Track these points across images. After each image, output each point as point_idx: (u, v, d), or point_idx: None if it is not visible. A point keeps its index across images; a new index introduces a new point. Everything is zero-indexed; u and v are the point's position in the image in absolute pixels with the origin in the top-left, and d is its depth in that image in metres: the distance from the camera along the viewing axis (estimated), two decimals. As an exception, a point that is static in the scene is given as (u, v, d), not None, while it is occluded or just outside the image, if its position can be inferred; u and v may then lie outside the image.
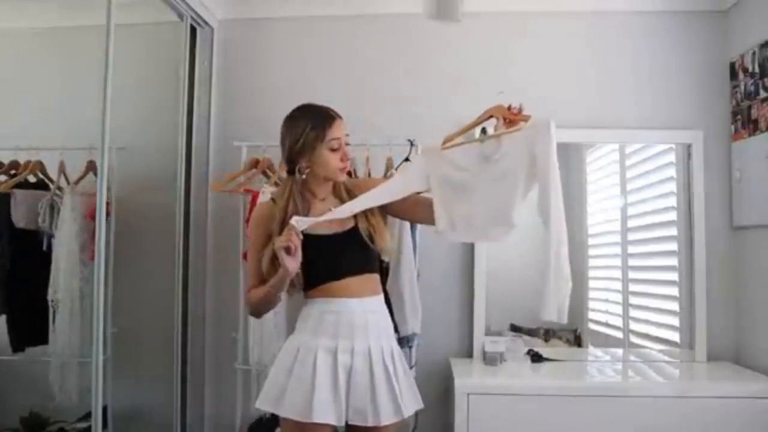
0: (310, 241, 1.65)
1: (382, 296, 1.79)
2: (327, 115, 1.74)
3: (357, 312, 1.70)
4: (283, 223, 1.67)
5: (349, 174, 2.42)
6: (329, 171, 1.73)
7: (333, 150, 1.71)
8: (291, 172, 1.75)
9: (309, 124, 1.71)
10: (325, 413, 1.61)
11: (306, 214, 1.71)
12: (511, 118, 1.66)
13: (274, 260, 1.63)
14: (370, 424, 1.66)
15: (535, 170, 1.58)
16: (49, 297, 2.35)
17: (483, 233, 1.75)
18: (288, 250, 1.58)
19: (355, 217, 1.73)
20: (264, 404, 1.68)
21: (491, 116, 1.70)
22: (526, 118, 1.65)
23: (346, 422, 1.66)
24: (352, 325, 1.68)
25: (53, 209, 2.39)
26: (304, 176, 1.73)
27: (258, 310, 1.81)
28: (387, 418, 1.66)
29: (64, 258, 2.36)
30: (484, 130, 1.80)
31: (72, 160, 2.50)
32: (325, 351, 1.66)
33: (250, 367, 2.44)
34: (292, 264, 1.60)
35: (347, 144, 1.76)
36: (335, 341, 1.67)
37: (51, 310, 2.35)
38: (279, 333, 2.35)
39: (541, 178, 1.58)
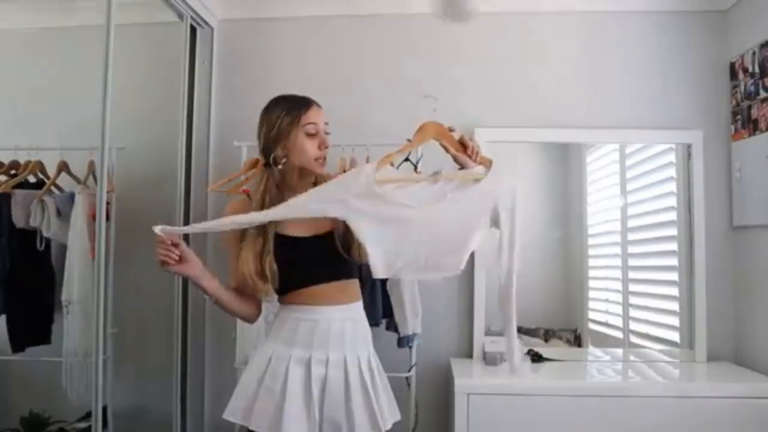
0: (285, 242, 1.60)
1: (361, 302, 1.70)
2: (303, 101, 1.67)
3: (335, 320, 1.61)
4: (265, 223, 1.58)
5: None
6: (305, 159, 1.62)
7: (309, 135, 1.62)
8: (267, 164, 1.64)
9: (284, 111, 1.64)
10: (295, 427, 1.53)
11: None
12: (461, 152, 1.63)
13: (257, 264, 1.57)
14: None
15: (497, 218, 1.57)
16: (63, 298, 2.34)
17: (425, 273, 1.61)
18: (165, 264, 1.51)
19: (333, 220, 1.59)
20: (232, 415, 1.59)
21: (433, 138, 1.63)
22: (485, 162, 1.61)
23: None
24: (328, 334, 1.59)
25: (43, 209, 2.38)
26: (280, 167, 1.62)
27: (228, 312, 1.70)
28: (362, 431, 1.58)
29: (78, 258, 2.35)
30: (436, 172, 1.64)
31: (72, 160, 2.49)
32: (297, 363, 1.58)
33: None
34: (186, 271, 1.53)
35: (327, 133, 1.66)
36: (309, 351, 1.58)
37: (65, 311, 2.34)
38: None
39: (504, 233, 1.58)
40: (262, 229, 1.59)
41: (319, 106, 1.69)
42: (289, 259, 1.59)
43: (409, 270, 1.58)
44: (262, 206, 1.60)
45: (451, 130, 1.66)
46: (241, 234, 1.62)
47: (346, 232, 1.59)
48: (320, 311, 1.61)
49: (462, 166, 1.65)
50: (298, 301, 1.62)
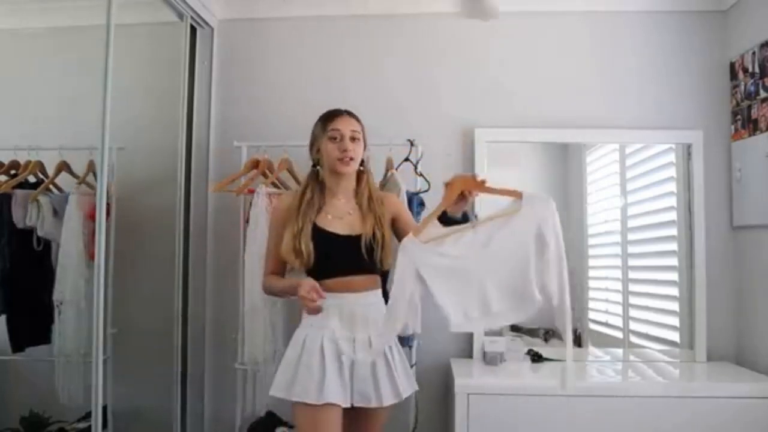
0: (323, 235, 1.84)
1: (380, 290, 1.91)
2: (333, 111, 1.93)
3: (359, 306, 1.84)
4: (302, 208, 1.84)
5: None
6: (329, 161, 1.88)
7: (332, 140, 1.87)
8: (313, 165, 1.95)
9: (319, 120, 1.94)
10: (335, 394, 1.74)
11: (321, 207, 1.88)
12: (485, 191, 1.68)
13: (294, 243, 1.81)
14: (373, 405, 1.81)
15: (543, 245, 1.60)
16: (55, 297, 2.34)
17: (504, 317, 1.70)
18: (311, 309, 1.77)
19: (364, 223, 1.86)
20: (277, 391, 1.80)
21: (462, 190, 1.67)
22: (511, 193, 1.64)
23: (352, 405, 1.79)
24: (353, 317, 1.82)
25: (39, 208, 2.38)
26: (316, 168, 1.92)
27: (270, 294, 2.02)
28: (388, 400, 1.82)
29: (71, 258, 2.35)
30: (474, 216, 1.73)
31: (72, 160, 2.49)
32: (329, 341, 1.80)
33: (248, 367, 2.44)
34: (312, 309, 1.77)
35: (355, 139, 1.88)
36: (339, 332, 1.81)
37: (56, 311, 2.35)
38: (275, 332, 2.36)
39: (552, 253, 1.60)
40: (303, 218, 1.84)
41: (351, 115, 1.94)
42: (325, 250, 1.83)
43: (487, 319, 1.66)
44: (302, 198, 1.88)
45: (474, 177, 1.71)
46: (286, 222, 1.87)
47: (372, 239, 1.83)
48: (346, 297, 1.83)
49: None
50: (327, 289, 1.78)
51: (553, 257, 1.60)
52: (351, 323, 1.82)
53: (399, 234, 1.90)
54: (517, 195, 1.64)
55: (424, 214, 2.33)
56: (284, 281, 1.92)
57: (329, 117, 1.91)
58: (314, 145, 1.93)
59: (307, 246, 1.81)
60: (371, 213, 1.88)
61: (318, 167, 1.93)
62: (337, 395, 1.75)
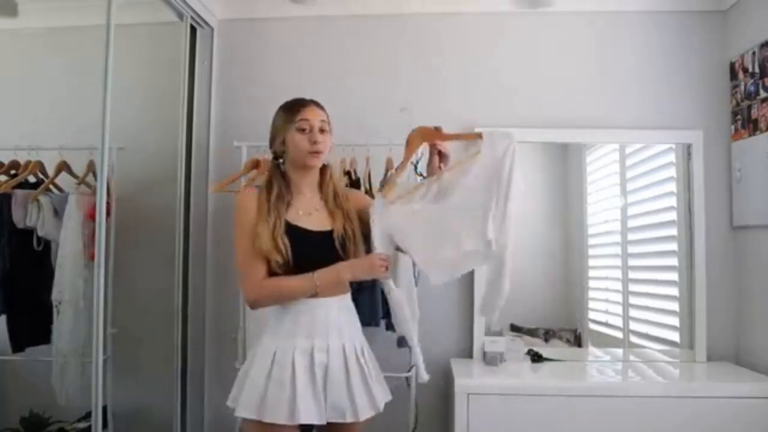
0: (294, 232, 1.70)
1: (350, 294, 1.81)
2: (300, 101, 1.80)
3: (332, 311, 1.72)
4: (271, 203, 1.70)
5: (353, 179, 2.44)
6: (299, 153, 1.74)
7: (301, 131, 1.74)
8: (273, 158, 1.81)
9: (282, 109, 1.80)
10: (309, 414, 1.63)
11: (289, 202, 1.74)
12: (444, 139, 1.71)
13: (277, 245, 1.65)
14: (348, 420, 1.69)
15: (500, 183, 1.60)
16: (54, 297, 2.34)
17: (474, 260, 1.70)
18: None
19: (333, 219, 1.76)
20: (247, 412, 1.64)
21: (424, 143, 1.71)
22: (470, 137, 1.68)
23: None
24: (327, 324, 1.70)
25: (39, 208, 2.38)
26: (281, 161, 1.78)
27: (274, 301, 1.74)
28: (364, 413, 1.71)
29: (69, 258, 2.35)
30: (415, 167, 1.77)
31: (72, 160, 2.49)
32: (301, 352, 1.67)
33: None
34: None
35: (323, 131, 1.76)
36: (311, 341, 1.68)
37: (55, 311, 2.34)
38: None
39: (501, 186, 1.60)
40: (275, 213, 1.70)
41: (318, 105, 1.81)
42: (299, 248, 1.69)
43: (460, 264, 1.67)
44: (269, 196, 1.72)
45: (437, 129, 1.73)
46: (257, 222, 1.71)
47: (344, 234, 1.74)
48: (318, 302, 1.70)
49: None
50: None
51: (501, 191, 1.59)
52: (325, 330, 1.69)
53: (367, 225, 1.83)
54: (476, 137, 1.65)
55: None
56: (293, 283, 1.68)
57: (296, 106, 1.78)
58: (278, 136, 1.77)
59: (285, 244, 1.66)
60: (339, 208, 1.79)
61: (280, 159, 1.79)
62: (311, 414, 1.63)
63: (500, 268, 1.64)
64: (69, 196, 2.38)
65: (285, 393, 1.63)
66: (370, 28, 2.75)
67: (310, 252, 1.70)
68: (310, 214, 1.76)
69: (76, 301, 2.35)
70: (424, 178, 1.77)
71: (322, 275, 1.67)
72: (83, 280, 2.35)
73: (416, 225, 1.69)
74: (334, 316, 1.72)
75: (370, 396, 1.74)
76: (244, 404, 1.65)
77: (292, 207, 1.75)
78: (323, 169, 1.84)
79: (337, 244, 1.73)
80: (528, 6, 2.65)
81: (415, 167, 2.42)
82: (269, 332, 1.73)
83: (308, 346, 1.68)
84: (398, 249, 1.75)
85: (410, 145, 1.73)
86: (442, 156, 1.76)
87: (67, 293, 2.35)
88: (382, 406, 1.76)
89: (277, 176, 1.77)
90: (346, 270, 1.71)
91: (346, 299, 1.79)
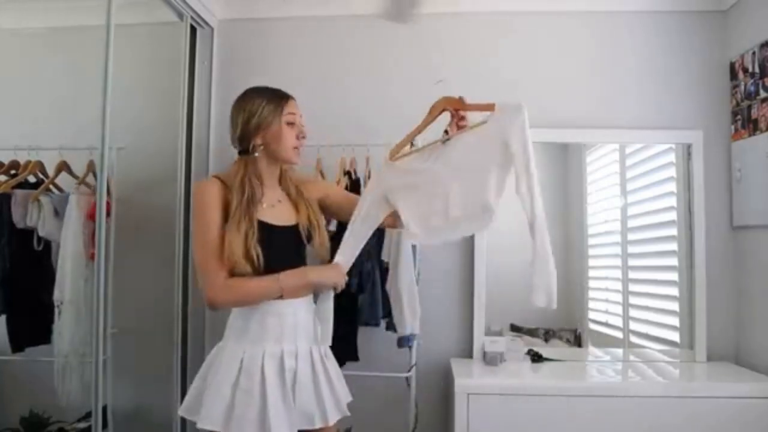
0: (265, 229, 1.61)
1: (312, 295, 1.75)
2: (282, 92, 1.72)
3: (300, 313, 1.67)
4: (242, 207, 1.59)
5: (353, 179, 2.44)
6: (284, 148, 1.67)
7: (289, 124, 1.68)
8: (243, 151, 1.68)
9: (265, 100, 1.68)
10: (281, 426, 1.56)
11: (260, 201, 1.65)
12: (465, 109, 1.68)
13: (248, 252, 1.55)
14: (317, 425, 1.63)
15: (509, 156, 1.57)
16: (55, 297, 2.34)
17: (460, 226, 1.65)
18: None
19: (297, 211, 1.71)
20: (210, 423, 1.54)
21: (444, 110, 1.70)
22: (487, 107, 1.63)
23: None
24: (296, 327, 1.64)
25: (40, 208, 2.38)
26: (257, 154, 1.66)
27: (236, 303, 1.66)
28: (333, 417, 1.65)
29: (70, 258, 2.35)
30: (446, 131, 1.74)
31: (72, 160, 2.49)
32: (271, 358, 1.60)
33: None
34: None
35: (303, 126, 1.73)
36: (280, 345, 1.62)
37: (56, 311, 2.34)
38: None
39: (518, 162, 1.56)
40: (248, 214, 1.60)
41: (294, 98, 1.75)
42: (268, 245, 1.60)
43: (445, 228, 1.64)
44: (242, 198, 1.61)
45: (460, 98, 1.72)
46: (225, 219, 1.61)
47: (309, 225, 1.70)
48: (287, 304, 1.64)
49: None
50: None
51: (521, 166, 1.55)
52: (294, 334, 1.63)
53: (337, 209, 1.82)
54: (490, 108, 1.63)
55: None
56: (259, 287, 1.59)
57: (283, 98, 1.69)
58: (259, 127, 1.65)
59: (257, 250, 1.57)
60: (302, 199, 1.73)
61: (255, 153, 1.66)
62: (284, 426, 1.56)
63: (541, 244, 1.56)
64: (69, 196, 2.38)
65: (254, 404, 1.55)
66: (369, 29, 2.75)
67: (278, 251, 1.62)
68: (273, 206, 1.69)
69: (77, 301, 2.35)
70: (447, 135, 1.73)
71: (287, 279, 1.61)
72: (84, 280, 2.35)
73: (412, 183, 1.68)
74: (303, 318, 1.67)
75: (336, 399, 1.69)
76: (207, 415, 1.54)
77: (265, 199, 1.67)
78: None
79: (303, 236, 1.69)
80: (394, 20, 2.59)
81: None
82: (233, 336, 1.64)
83: (277, 350, 1.61)
84: (388, 206, 1.72)
85: (432, 111, 1.72)
86: (461, 125, 1.71)
87: (68, 293, 2.34)
88: (346, 409, 1.71)
89: (251, 174, 1.65)
90: (312, 275, 1.67)
91: (309, 301, 1.73)
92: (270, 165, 1.71)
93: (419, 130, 1.75)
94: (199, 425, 1.56)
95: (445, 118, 1.74)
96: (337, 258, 1.73)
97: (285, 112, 1.68)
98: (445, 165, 1.66)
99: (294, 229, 1.69)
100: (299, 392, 1.61)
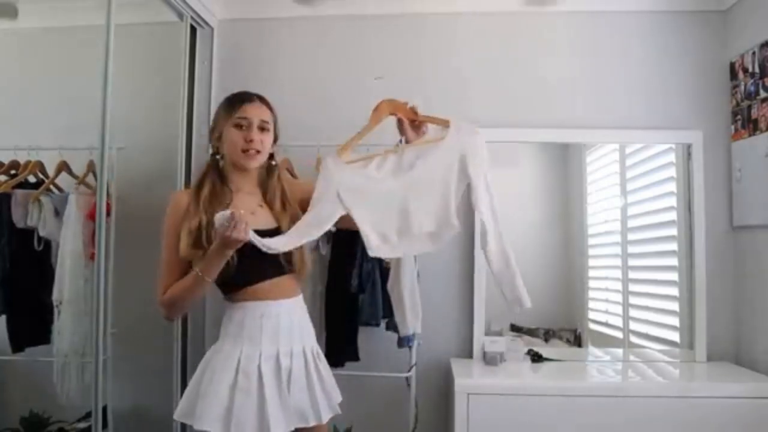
0: None
1: (302, 295, 1.77)
2: (243, 94, 1.73)
3: (294, 313, 1.69)
4: (203, 200, 1.63)
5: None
6: (233, 151, 1.67)
7: (238, 127, 1.67)
8: (212, 155, 1.74)
9: (223, 105, 1.72)
10: (278, 425, 1.58)
11: (227, 204, 1.64)
12: (414, 119, 1.67)
13: (194, 237, 1.57)
14: (311, 423, 1.65)
15: (466, 171, 1.60)
16: (54, 297, 2.33)
17: (422, 242, 1.65)
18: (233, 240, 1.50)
19: (281, 217, 1.70)
20: (208, 424, 1.55)
21: (391, 114, 1.70)
22: (442, 122, 1.65)
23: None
24: (290, 327, 1.67)
25: (40, 208, 2.38)
26: (218, 157, 1.70)
27: (176, 310, 1.70)
28: (326, 415, 1.68)
29: (69, 258, 2.35)
30: (400, 141, 1.73)
31: (72, 160, 2.49)
32: (267, 358, 1.62)
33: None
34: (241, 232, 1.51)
35: (263, 129, 1.70)
36: (276, 346, 1.64)
37: (56, 311, 2.34)
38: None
39: (478, 182, 1.61)
40: (203, 209, 1.62)
41: (264, 102, 1.74)
42: (247, 253, 1.57)
43: (406, 243, 1.64)
44: (198, 194, 1.65)
45: (405, 103, 1.71)
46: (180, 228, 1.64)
47: (289, 227, 1.66)
48: (278, 305, 1.66)
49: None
50: (254, 297, 1.65)
51: (480, 187, 1.60)
52: (289, 334, 1.65)
53: None
54: (445, 123, 1.64)
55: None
56: (184, 280, 1.59)
57: (237, 101, 1.70)
58: (214, 131, 1.69)
59: (210, 239, 1.56)
60: (285, 212, 1.72)
61: (217, 155, 1.70)
62: (280, 424, 1.58)
63: (506, 262, 1.64)
64: (69, 196, 2.37)
65: (252, 404, 1.57)
66: (370, 28, 2.75)
67: (259, 253, 1.58)
68: (253, 212, 1.67)
69: (76, 301, 2.34)
70: (401, 142, 1.73)
71: (205, 262, 1.56)
72: (84, 280, 2.35)
73: (368, 191, 1.65)
74: (297, 318, 1.70)
75: (329, 397, 1.72)
76: (205, 417, 1.55)
77: (233, 206, 1.64)
78: (270, 170, 1.77)
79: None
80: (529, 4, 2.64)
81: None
82: (229, 338, 1.65)
83: (273, 351, 1.63)
84: (341, 206, 1.66)
85: (377, 112, 1.72)
86: (412, 128, 1.71)
87: (68, 293, 2.34)
88: (338, 408, 1.74)
89: (212, 173, 1.69)
90: (214, 247, 1.55)
91: (300, 300, 1.75)
92: (238, 171, 1.72)
93: (364, 134, 1.74)
94: (198, 427, 1.57)
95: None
96: (275, 240, 1.62)
97: (235, 116, 1.67)
98: (401, 179, 1.64)
99: (276, 232, 1.66)
100: (294, 390, 1.64)
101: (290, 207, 1.74)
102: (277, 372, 1.62)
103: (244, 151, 1.66)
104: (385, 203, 1.63)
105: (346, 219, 1.68)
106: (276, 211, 1.72)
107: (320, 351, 1.78)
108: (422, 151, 1.64)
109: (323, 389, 1.70)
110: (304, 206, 1.73)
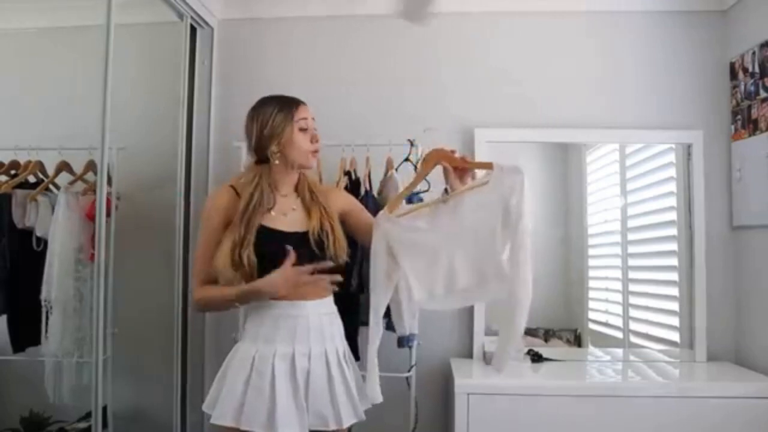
0: (271, 234, 1.65)
1: (332, 297, 1.77)
2: (292, 99, 1.76)
3: (312, 315, 1.68)
4: (247, 214, 1.63)
5: (353, 179, 2.44)
6: (300, 153, 1.71)
7: (302, 130, 1.71)
8: (260, 160, 1.73)
9: (275, 108, 1.72)
10: (289, 424, 1.58)
11: (271, 208, 1.69)
12: (461, 166, 1.61)
13: (234, 256, 1.59)
14: (331, 428, 1.65)
15: (510, 220, 1.50)
16: (42, 297, 2.33)
17: (470, 295, 1.63)
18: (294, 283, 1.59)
19: (309, 217, 1.72)
20: (222, 418, 1.60)
21: (436, 164, 1.64)
22: (485, 166, 1.58)
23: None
24: (308, 329, 1.67)
25: (38, 208, 2.38)
26: (276, 162, 1.71)
27: (208, 310, 1.81)
28: (348, 420, 1.67)
29: (58, 256, 2.34)
30: (446, 190, 1.66)
31: (72, 160, 2.49)
32: (282, 358, 1.63)
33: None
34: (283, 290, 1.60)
35: (315, 129, 1.75)
36: (291, 346, 1.65)
37: (44, 311, 2.33)
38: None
39: (518, 229, 1.49)
40: (248, 225, 1.63)
41: (305, 104, 1.78)
42: (273, 250, 1.61)
43: (450, 296, 1.59)
44: (249, 200, 1.65)
45: (452, 152, 1.65)
46: (226, 228, 1.66)
47: (321, 232, 1.69)
48: (299, 306, 1.67)
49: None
50: (277, 297, 1.65)
51: (519, 233, 1.49)
52: (306, 335, 1.65)
53: (355, 230, 1.80)
54: (488, 166, 1.57)
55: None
56: (228, 291, 1.63)
57: (292, 104, 1.73)
58: (273, 135, 1.69)
59: (249, 256, 1.59)
60: (316, 205, 1.73)
61: (276, 161, 1.71)
62: (292, 425, 1.58)
63: (515, 309, 1.50)
64: (59, 195, 2.37)
65: (264, 401, 1.59)
66: (370, 29, 2.75)
67: (284, 254, 1.60)
68: (285, 214, 1.71)
69: (65, 300, 2.33)
70: (447, 194, 1.67)
71: (243, 293, 1.62)
72: (74, 278, 2.34)
73: (414, 241, 1.62)
74: (316, 320, 1.69)
75: (353, 402, 1.71)
76: (221, 411, 1.61)
77: (277, 208, 1.70)
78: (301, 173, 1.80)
79: (312, 243, 1.67)
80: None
81: (415, 167, 2.44)
82: (248, 337, 1.69)
83: (289, 351, 1.64)
84: (393, 260, 1.66)
85: (426, 163, 1.66)
86: (460, 172, 1.64)
87: (56, 292, 2.32)
88: (362, 414, 1.73)
89: (263, 183, 1.70)
90: (257, 282, 1.61)
91: (328, 303, 1.75)
92: (287, 172, 1.75)
93: (414, 185, 1.71)
94: (213, 421, 1.63)
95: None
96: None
97: (296, 118, 1.71)
98: (447, 231, 1.59)
99: (303, 236, 1.68)
100: (313, 393, 1.64)
101: (320, 200, 1.75)
102: (291, 372, 1.63)
103: (312, 152, 1.72)
104: (431, 256, 1.59)
105: (367, 234, 1.69)
106: (306, 206, 1.75)
107: (348, 353, 1.78)
108: (467, 199, 1.58)
109: (348, 393, 1.70)
110: (344, 218, 1.78)
